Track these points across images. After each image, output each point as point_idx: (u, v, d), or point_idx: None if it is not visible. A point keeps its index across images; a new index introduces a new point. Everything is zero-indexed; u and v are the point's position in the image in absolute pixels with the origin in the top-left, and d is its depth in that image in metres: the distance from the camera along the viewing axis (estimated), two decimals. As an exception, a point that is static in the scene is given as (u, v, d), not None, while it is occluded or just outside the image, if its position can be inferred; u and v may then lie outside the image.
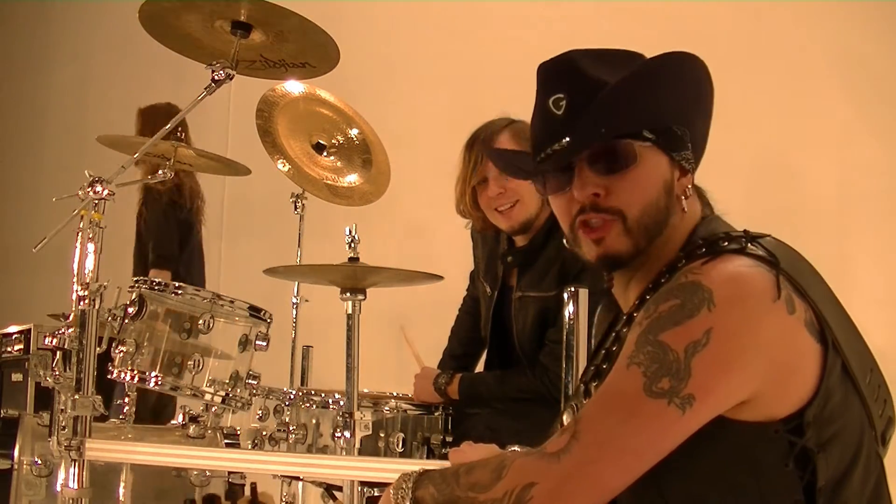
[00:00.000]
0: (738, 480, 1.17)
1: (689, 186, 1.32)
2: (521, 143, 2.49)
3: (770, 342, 1.16)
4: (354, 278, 2.31)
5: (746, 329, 1.15)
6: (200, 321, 2.46)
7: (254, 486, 0.99)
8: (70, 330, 2.34)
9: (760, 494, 1.17)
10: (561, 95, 1.30)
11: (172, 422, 2.65)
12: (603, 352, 1.35)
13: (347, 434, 2.26)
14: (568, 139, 1.28)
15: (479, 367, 2.84)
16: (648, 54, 1.38)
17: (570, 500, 1.13)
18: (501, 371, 2.65)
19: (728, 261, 1.20)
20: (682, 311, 1.15)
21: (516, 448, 1.62)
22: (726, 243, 1.24)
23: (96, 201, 2.39)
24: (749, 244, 1.23)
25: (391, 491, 1.29)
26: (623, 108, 1.28)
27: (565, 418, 1.38)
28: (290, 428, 2.46)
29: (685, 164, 1.32)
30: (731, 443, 1.17)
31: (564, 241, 1.37)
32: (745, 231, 1.27)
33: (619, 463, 1.13)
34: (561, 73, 1.32)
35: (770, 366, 1.15)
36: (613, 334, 1.34)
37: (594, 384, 1.32)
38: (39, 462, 2.77)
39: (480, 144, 2.53)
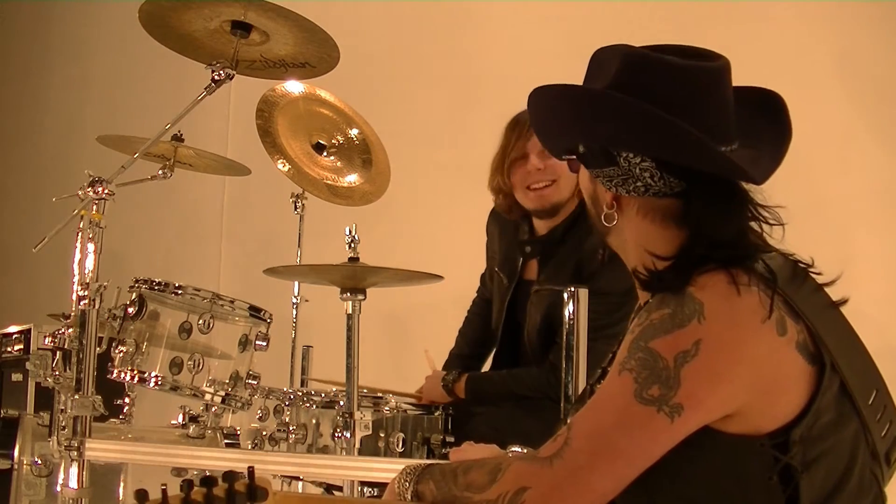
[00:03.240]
0: (724, 490, 1.19)
1: (609, 202, 1.33)
2: None
3: (757, 360, 1.17)
4: (354, 278, 2.31)
5: (734, 345, 1.16)
6: (200, 321, 2.45)
7: (251, 470, 1.01)
8: (70, 330, 2.35)
9: None
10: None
11: (172, 422, 2.65)
12: (611, 355, 1.36)
13: (347, 434, 2.27)
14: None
15: (486, 369, 2.84)
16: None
17: None
18: (508, 370, 2.64)
19: (723, 276, 1.20)
20: (673, 321, 1.17)
21: (517, 449, 1.63)
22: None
23: (96, 201, 2.39)
24: (751, 261, 1.23)
25: (396, 481, 1.33)
26: (558, 122, 1.36)
27: (570, 419, 1.38)
28: (290, 428, 2.46)
29: (603, 181, 1.32)
30: (719, 453, 1.18)
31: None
32: (752, 247, 1.27)
33: (609, 468, 1.15)
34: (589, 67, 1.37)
35: (756, 382, 1.17)
36: (619, 339, 1.36)
37: (598, 385, 1.34)
38: (39, 462, 2.77)
39: (524, 126, 2.51)
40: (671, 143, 1.26)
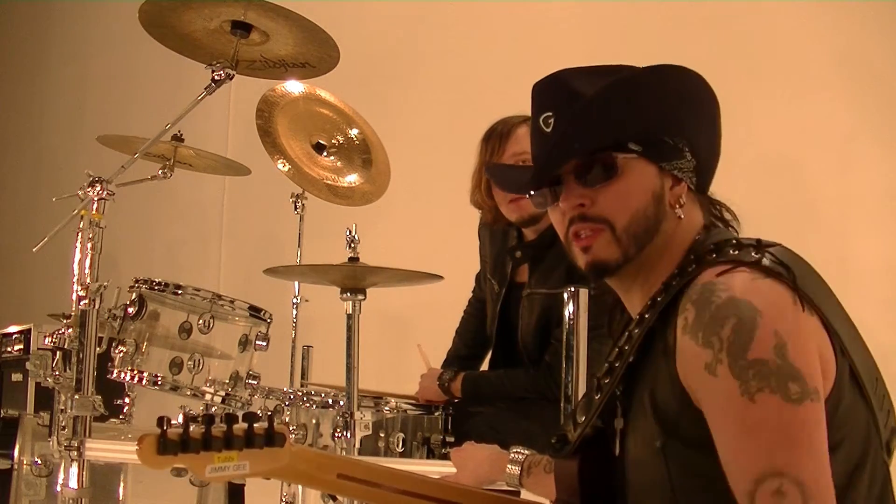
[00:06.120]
0: None
1: (683, 195, 1.33)
2: None
3: (812, 337, 1.18)
4: (354, 278, 2.31)
5: (795, 324, 1.16)
6: (200, 321, 2.45)
7: (270, 416, 1.04)
8: (70, 330, 2.35)
9: None
10: (549, 113, 1.33)
11: (173, 422, 2.65)
12: (616, 350, 1.35)
13: (347, 434, 2.27)
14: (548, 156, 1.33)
15: (484, 368, 2.84)
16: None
17: None
18: (505, 370, 2.65)
19: (743, 274, 1.20)
20: (745, 327, 1.15)
21: (520, 449, 1.62)
22: (736, 251, 1.25)
23: (96, 201, 2.39)
24: (762, 256, 1.23)
25: None
26: (601, 122, 1.30)
27: (578, 414, 1.39)
28: (291, 428, 2.46)
29: (677, 173, 1.33)
30: None
31: None
32: (756, 240, 1.27)
33: (825, 475, 1.13)
34: (550, 92, 1.35)
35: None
36: (626, 334, 1.35)
37: (606, 380, 1.33)
38: (39, 462, 2.77)
39: (497, 138, 2.54)
40: (711, 127, 1.36)
